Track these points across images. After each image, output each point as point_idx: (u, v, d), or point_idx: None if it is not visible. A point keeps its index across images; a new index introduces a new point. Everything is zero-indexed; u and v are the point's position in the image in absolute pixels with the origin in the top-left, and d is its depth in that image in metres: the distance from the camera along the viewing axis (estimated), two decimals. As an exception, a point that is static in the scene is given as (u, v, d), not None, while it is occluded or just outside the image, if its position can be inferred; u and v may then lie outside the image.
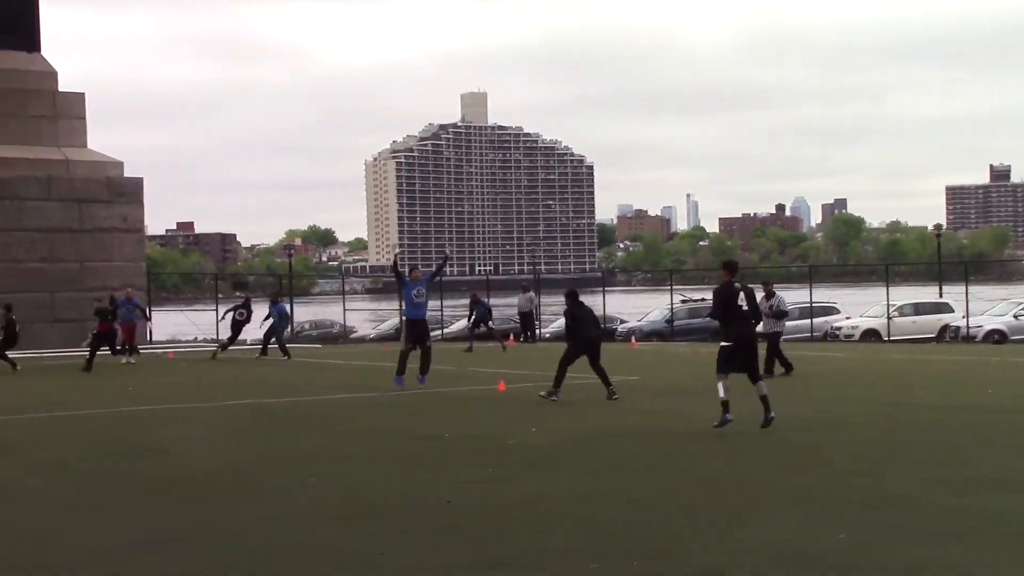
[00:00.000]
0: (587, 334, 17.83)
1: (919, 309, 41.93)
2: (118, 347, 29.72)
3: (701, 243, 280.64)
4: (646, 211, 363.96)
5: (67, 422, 16.69)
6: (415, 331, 19.94)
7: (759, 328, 15.28)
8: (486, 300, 38.18)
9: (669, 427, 14.44)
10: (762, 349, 16.78)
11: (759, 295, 21.59)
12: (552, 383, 17.63)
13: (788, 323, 41.53)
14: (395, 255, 18.60)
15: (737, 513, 8.98)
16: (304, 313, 58.81)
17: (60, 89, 41.80)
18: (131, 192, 41.13)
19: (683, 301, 46.06)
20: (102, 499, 10.23)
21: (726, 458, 11.93)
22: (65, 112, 41.66)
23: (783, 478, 10.62)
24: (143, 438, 14.57)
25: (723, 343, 13.93)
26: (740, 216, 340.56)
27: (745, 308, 13.85)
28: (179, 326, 51.48)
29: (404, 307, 20.12)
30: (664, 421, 14.64)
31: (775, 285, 23.41)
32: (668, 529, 8.50)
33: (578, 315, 18.03)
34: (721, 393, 13.65)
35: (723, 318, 13.92)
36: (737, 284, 14.00)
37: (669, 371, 24.49)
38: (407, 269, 20.58)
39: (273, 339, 32.53)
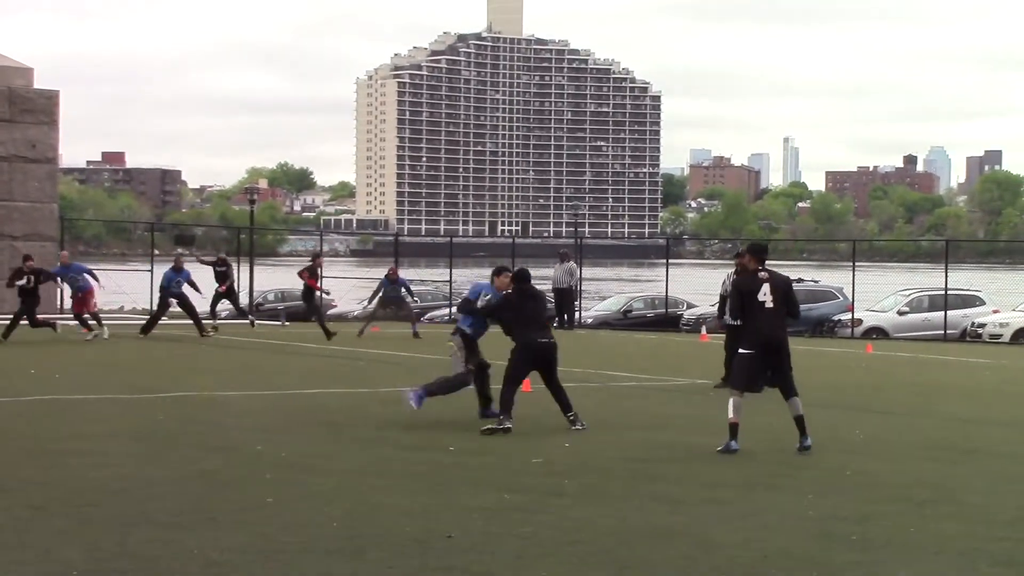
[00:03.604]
0: (529, 339, 16.19)
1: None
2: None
3: (801, 204, 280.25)
4: (728, 159, 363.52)
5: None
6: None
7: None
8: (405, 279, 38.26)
9: (750, 446, 14.43)
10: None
11: None
12: (500, 407, 16.09)
13: (911, 316, 42.00)
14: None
15: (870, 569, 8.93)
16: (268, 280, 58.88)
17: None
18: (42, 109, 41.26)
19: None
20: (3, 515, 10.27)
21: (816, 491, 11.90)
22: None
23: (905, 519, 10.61)
24: (51, 437, 14.64)
25: (740, 349, 14.22)
26: (854, 170, 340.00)
27: (770, 305, 14.03)
28: (102, 290, 51.65)
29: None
30: (744, 438, 14.60)
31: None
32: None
33: (522, 308, 16.39)
34: (730, 413, 14.02)
35: (742, 318, 14.24)
36: (763, 273, 14.24)
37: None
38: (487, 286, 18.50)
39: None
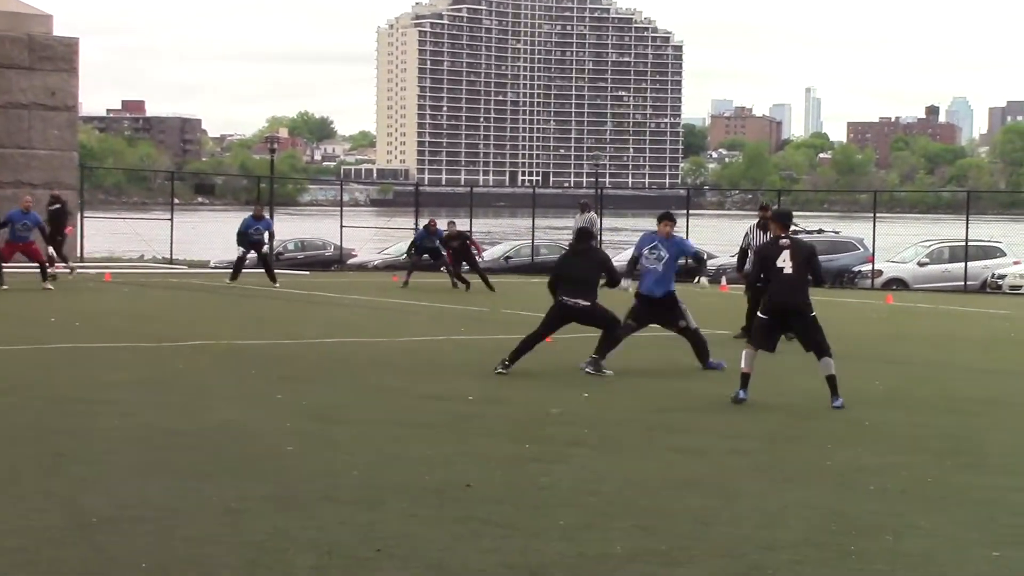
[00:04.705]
0: (559, 297, 16.66)
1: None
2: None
3: (822, 155, 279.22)
4: (750, 110, 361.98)
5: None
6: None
7: None
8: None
9: (772, 399, 14.44)
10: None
11: None
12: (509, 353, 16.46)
13: (931, 268, 41.88)
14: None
15: (886, 520, 8.97)
16: (289, 229, 58.95)
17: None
18: (61, 57, 41.19)
19: (792, 232, 45.91)
20: (24, 463, 10.32)
21: (847, 441, 11.92)
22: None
23: (924, 470, 10.63)
24: (70, 385, 14.72)
25: (759, 313, 14.49)
26: (876, 120, 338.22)
27: (789, 271, 14.10)
28: (121, 238, 51.87)
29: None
30: (767, 391, 14.61)
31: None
32: (767, 535, 8.50)
33: (564, 265, 17.22)
34: (743, 363, 14.24)
35: (762, 283, 14.49)
36: (785, 240, 14.38)
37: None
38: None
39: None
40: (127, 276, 35.90)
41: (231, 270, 34.00)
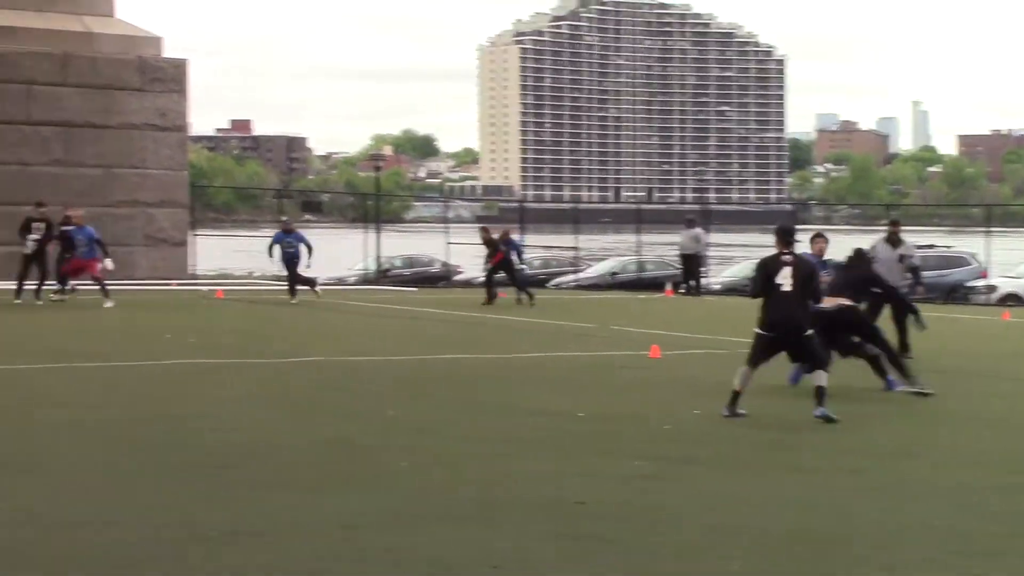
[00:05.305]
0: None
1: None
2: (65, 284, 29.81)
3: (931, 169, 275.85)
4: (856, 124, 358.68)
5: (86, 375, 17.14)
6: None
7: None
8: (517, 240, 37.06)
9: (883, 415, 14.30)
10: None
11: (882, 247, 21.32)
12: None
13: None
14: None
15: (1009, 542, 8.83)
16: (395, 246, 59.29)
17: (84, -62, 42.47)
18: (171, 78, 41.79)
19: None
20: (144, 478, 10.48)
21: (963, 460, 11.75)
22: (90, -31, 42.35)
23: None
24: (186, 400, 14.92)
25: (755, 328, 14.33)
26: (988, 134, 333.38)
27: (787, 288, 13.94)
28: (231, 255, 52.43)
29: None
30: (879, 410, 14.48)
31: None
32: (886, 556, 8.41)
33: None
34: (735, 382, 14.08)
35: (762, 297, 14.29)
36: (787, 256, 14.20)
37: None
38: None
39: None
40: (238, 293, 36.31)
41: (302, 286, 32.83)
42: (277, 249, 32.68)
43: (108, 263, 30.03)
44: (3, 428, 12.87)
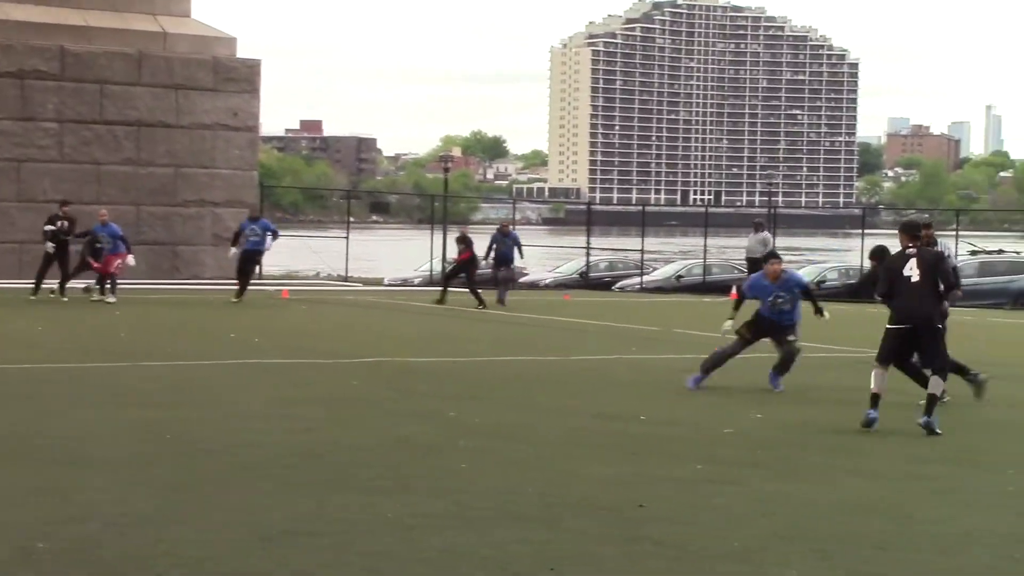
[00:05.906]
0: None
1: None
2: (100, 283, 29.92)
3: (1002, 174, 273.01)
4: (927, 128, 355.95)
5: (153, 374, 17.31)
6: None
7: None
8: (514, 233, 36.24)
9: (949, 421, 14.17)
10: None
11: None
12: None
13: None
14: None
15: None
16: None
17: (159, -61, 42.79)
18: (244, 79, 42.07)
19: (972, 252, 45.10)
20: (210, 477, 10.57)
21: (1018, 467, 11.66)
22: (164, -31, 42.67)
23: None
24: (250, 400, 15.03)
25: (887, 324, 14.06)
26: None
27: (916, 280, 13.77)
28: (298, 255, 52.72)
29: None
30: (946, 416, 14.34)
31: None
32: (949, 562, 8.35)
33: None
34: (872, 384, 13.84)
35: (888, 294, 14.08)
36: (911, 249, 14.01)
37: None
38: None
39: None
40: (304, 293, 36.50)
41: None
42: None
43: (131, 260, 30.44)
44: (73, 425, 13.01)
